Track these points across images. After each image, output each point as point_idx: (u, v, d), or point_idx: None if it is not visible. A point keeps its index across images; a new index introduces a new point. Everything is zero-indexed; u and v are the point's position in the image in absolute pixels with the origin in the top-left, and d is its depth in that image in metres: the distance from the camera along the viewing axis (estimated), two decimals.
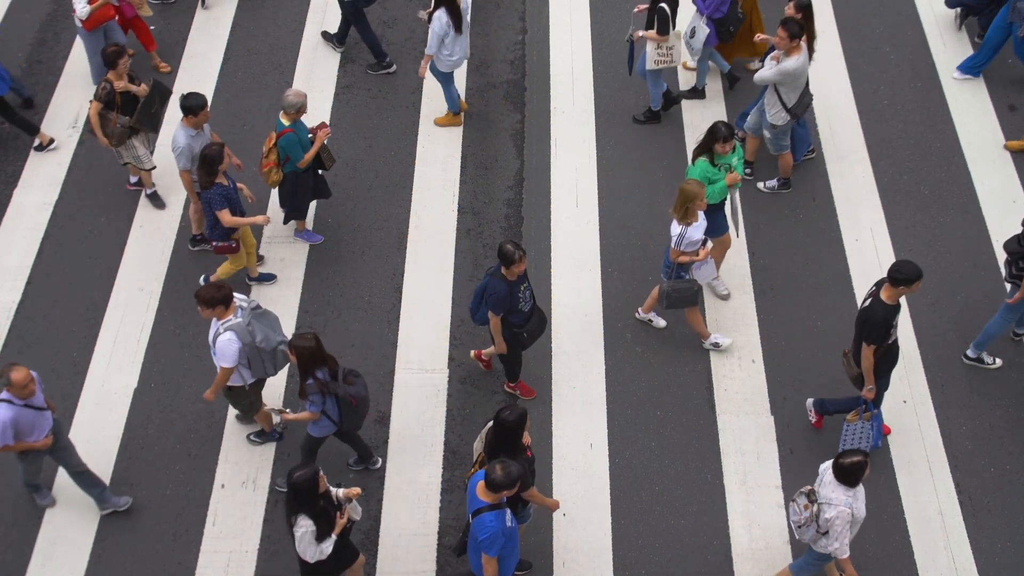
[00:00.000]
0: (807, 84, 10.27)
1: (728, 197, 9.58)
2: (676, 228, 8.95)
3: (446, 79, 11.33)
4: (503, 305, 8.43)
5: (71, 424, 9.26)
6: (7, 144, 11.52)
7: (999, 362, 9.61)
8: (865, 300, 8.24)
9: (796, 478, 8.96)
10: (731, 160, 9.38)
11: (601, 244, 10.64)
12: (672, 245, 9.01)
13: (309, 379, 7.80)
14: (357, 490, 7.42)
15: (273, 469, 9.02)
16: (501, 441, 7.36)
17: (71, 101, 11.98)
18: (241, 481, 8.98)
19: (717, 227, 9.59)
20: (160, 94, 10.23)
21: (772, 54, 10.17)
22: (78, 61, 12.39)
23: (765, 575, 8.44)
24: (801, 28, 9.87)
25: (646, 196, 11.06)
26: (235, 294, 8.18)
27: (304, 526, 7.07)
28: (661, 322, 9.92)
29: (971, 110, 11.84)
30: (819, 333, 9.93)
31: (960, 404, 9.42)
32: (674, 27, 10.88)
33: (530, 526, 8.67)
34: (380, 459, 9.04)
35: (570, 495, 8.88)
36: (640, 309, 9.95)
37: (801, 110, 10.31)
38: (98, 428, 9.25)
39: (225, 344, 8.05)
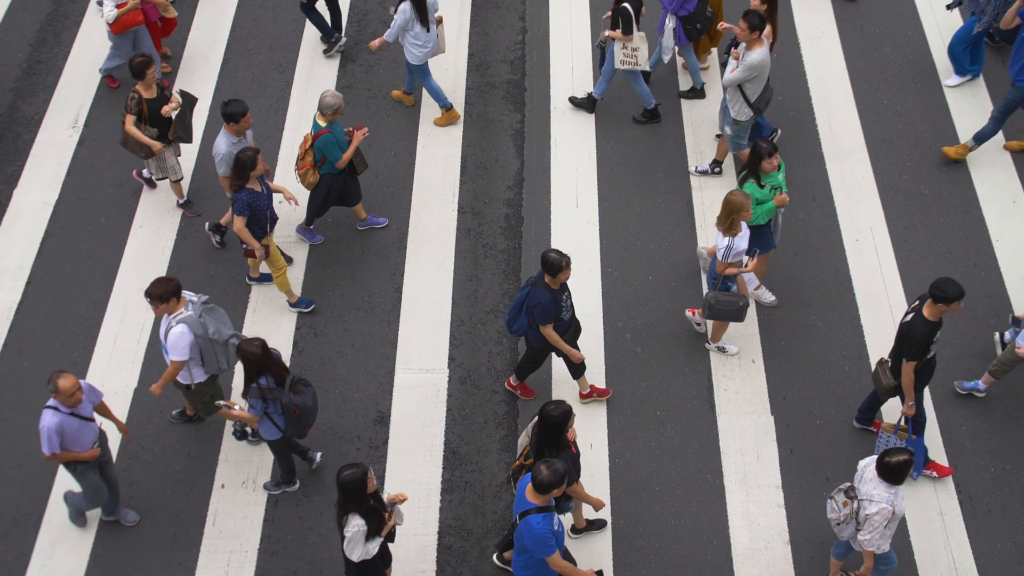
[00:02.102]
0: (768, 78, 10.27)
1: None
2: (722, 240, 8.84)
3: (422, 72, 11.35)
4: (550, 313, 8.32)
5: None
6: (7, 144, 11.53)
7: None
8: (907, 315, 8.16)
9: (796, 478, 8.96)
10: (778, 178, 9.28)
11: (601, 244, 10.64)
12: (719, 258, 8.90)
13: (252, 384, 7.87)
14: (404, 495, 7.47)
15: (273, 469, 9.02)
16: (545, 435, 7.42)
17: (71, 101, 11.98)
18: (241, 481, 8.98)
19: (765, 243, 9.52)
20: (188, 103, 10.23)
21: (733, 50, 10.16)
22: (78, 61, 12.40)
23: (765, 575, 8.44)
24: (762, 20, 9.86)
25: (646, 196, 11.06)
26: (184, 291, 8.22)
27: (356, 525, 7.11)
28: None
29: (971, 110, 11.84)
30: (819, 333, 9.93)
31: (960, 404, 9.42)
32: (639, 29, 10.91)
33: None
34: (319, 452, 9.00)
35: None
36: (696, 311, 9.84)
37: (764, 104, 10.32)
38: None
39: (177, 337, 8.07)
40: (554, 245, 10.62)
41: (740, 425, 9.31)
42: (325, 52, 12.40)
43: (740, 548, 8.59)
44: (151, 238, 10.70)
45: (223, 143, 9.45)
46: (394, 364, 9.74)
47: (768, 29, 10.32)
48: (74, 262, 10.50)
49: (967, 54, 11.83)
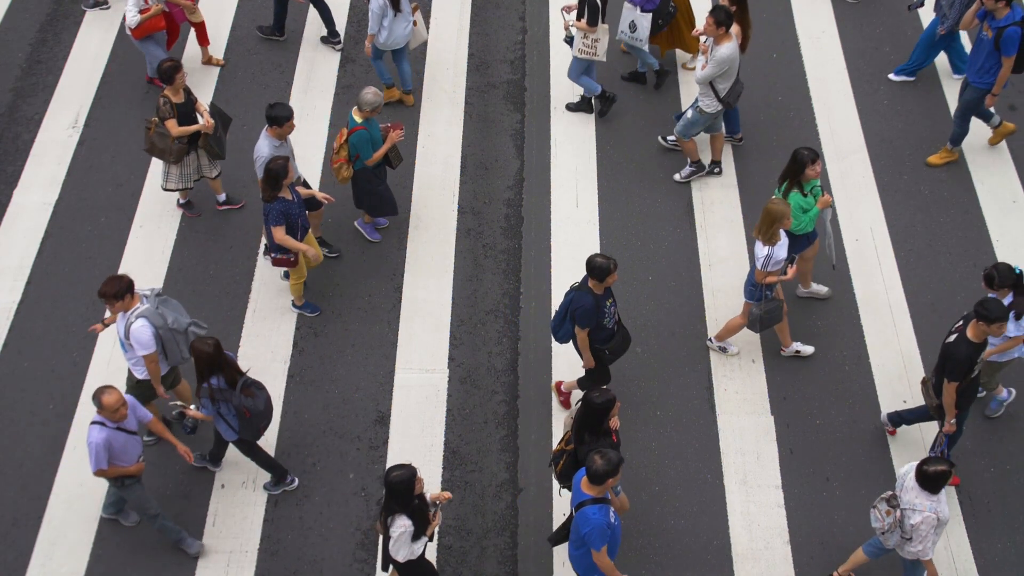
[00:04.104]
0: (738, 73, 10.28)
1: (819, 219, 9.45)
2: (762, 250, 8.77)
3: (376, 54, 11.44)
4: (590, 318, 8.30)
5: (71, 425, 9.26)
6: (7, 144, 11.53)
7: None
8: (949, 335, 8.09)
9: (796, 478, 8.97)
10: (817, 181, 9.20)
11: (601, 244, 10.64)
12: (759, 267, 8.83)
13: (203, 383, 7.88)
14: (448, 494, 7.49)
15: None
16: (586, 421, 7.47)
17: (71, 101, 11.99)
18: (241, 481, 8.98)
19: (801, 247, 9.46)
20: (222, 119, 10.20)
21: (702, 45, 10.16)
22: (78, 61, 12.40)
23: (765, 575, 8.44)
24: (729, 16, 9.90)
25: (646, 196, 11.07)
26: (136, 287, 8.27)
27: (403, 526, 7.14)
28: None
29: None
30: (819, 333, 9.93)
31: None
32: (603, 21, 10.93)
33: (529, 526, 8.68)
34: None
35: (569, 496, 8.86)
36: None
37: (733, 99, 10.36)
38: None
39: (139, 330, 8.07)
40: (554, 245, 10.62)
41: (740, 425, 9.31)
42: (259, 28, 12.62)
43: (740, 548, 8.59)
44: (151, 238, 10.70)
45: (265, 146, 9.40)
46: (394, 364, 9.74)
47: (737, 28, 10.36)
48: (74, 262, 10.50)
49: (926, 54, 11.83)
